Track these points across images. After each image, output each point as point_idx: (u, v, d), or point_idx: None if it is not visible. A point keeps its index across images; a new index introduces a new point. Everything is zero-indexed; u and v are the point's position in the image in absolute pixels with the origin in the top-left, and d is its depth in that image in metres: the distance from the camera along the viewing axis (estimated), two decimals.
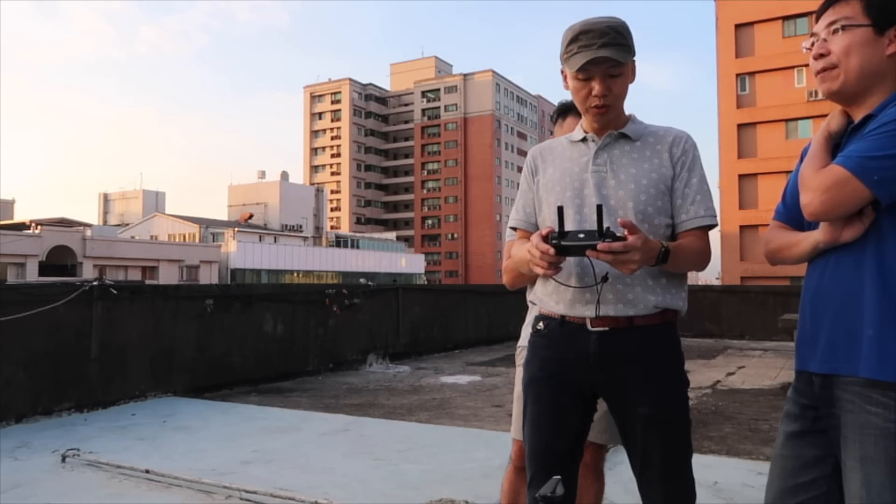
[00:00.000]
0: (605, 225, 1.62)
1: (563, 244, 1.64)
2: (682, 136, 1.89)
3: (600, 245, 1.59)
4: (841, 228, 1.53)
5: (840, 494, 1.57)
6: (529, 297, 2.01)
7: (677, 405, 1.81)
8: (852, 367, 1.51)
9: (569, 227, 1.73)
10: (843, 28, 1.56)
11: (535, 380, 1.89)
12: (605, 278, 1.74)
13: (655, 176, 1.83)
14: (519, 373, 2.46)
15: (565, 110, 2.56)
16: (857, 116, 1.60)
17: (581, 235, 1.64)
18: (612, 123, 1.88)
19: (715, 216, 1.85)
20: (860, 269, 1.52)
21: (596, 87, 1.79)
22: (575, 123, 2.44)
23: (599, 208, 1.63)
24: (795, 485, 1.63)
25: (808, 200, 1.52)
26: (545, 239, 1.66)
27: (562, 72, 1.89)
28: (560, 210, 1.67)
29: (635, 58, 1.85)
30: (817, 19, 1.65)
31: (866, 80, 1.56)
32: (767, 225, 1.86)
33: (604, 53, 1.74)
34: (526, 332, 2.49)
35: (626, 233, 1.60)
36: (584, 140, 1.92)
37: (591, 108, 1.83)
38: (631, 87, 1.87)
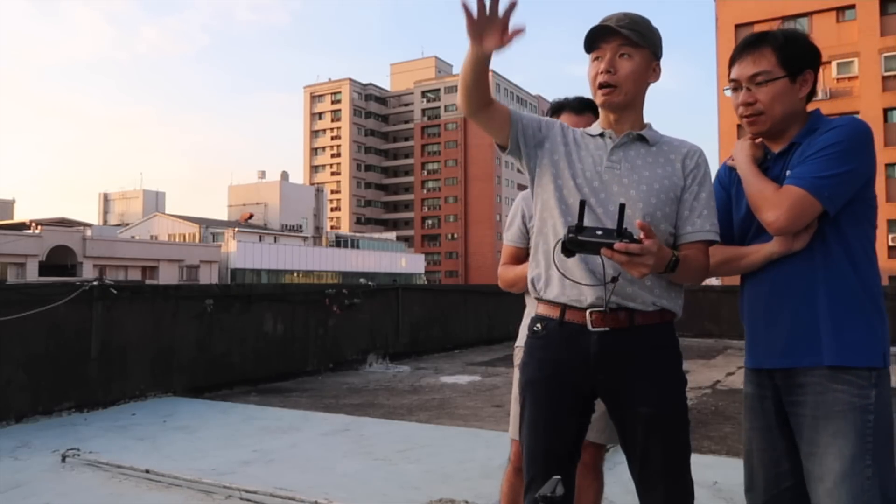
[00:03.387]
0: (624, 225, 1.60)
1: (579, 238, 1.60)
2: (696, 149, 1.90)
3: (617, 245, 1.56)
4: (792, 239, 1.76)
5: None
6: (530, 288, 1.98)
7: (677, 406, 1.81)
8: (815, 359, 1.73)
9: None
10: (767, 81, 1.82)
11: (532, 381, 1.88)
12: (615, 279, 1.72)
13: (667, 183, 1.82)
14: (517, 373, 2.47)
15: (559, 108, 2.56)
16: (776, 146, 1.88)
17: (599, 232, 1.61)
18: (629, 122, 1.87)
19: (718, 233, 1.86)
20: (812, 273, 1.76)
21: (603, 64, 1.80)
22: (567, 121, 2.45)
23: (622, 207, 1.60)
24: (777, 474, 1.84)
25: (775, 217, 1.73)
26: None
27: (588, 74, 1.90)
28: (582, 204, 1.63)
29: (659, 62, 1.86)
30: (731, 65, 1.89)
31: (787, 120, 1.85)
32: None
33: (611, 24, 1.76)
34: (523, 332, 2.50)
35: (642, 235, 1.58)
36: (601, 136, 1.90)
37: (598, 86, 1.82)
38: None
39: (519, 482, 2.39)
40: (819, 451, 1.69)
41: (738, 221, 1.93)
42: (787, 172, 1.79)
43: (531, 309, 2.52)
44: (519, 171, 2.03)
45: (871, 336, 1.72)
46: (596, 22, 1.84)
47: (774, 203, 1.73)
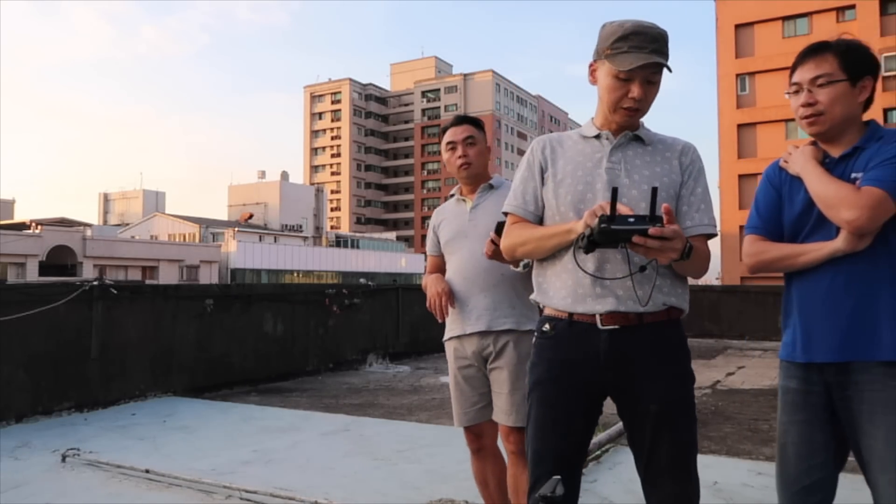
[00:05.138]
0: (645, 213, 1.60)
1: (612, 228, 1.57)
2: (690, 146, 1.95)
3: (653, 230, 1.55)
4: (858, 239, 1.83)
5: (838, 469, 1.93)
6: (532, 297, 1.98)
7: (685, 402, 1.84)
8: (872, 353, 1.82)
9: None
10: (829, 83, 1.91)
11: (540, 382, 1.88)
12: (642, 268, 1.71)
13: (666, 180, 1.86)
14: (450, 366, 2.74)
15: (444, 130, 2.77)
16: (834, 150, 1.95)
17: (631, 220, 1.59)
18: (628, 125, 1.91)
19: (716, 227, 1.90)
20: (875, 271, 1.84)
21: (635, 90, 1.81)
22: (452, 135, 2.72)
23: (654, 191, 1.59)
24: (809, 466, 1.92)
25: (855, 216, 1.80)
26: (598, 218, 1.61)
27: (591, 65, 1.90)
28: (614, 191, 1.60)
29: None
30: (793, 70, 1.99)
31: (845, 123, 1.94)
32: None
33: (656, 59, 1.77)
34: (449, 326, 2.73)
35: (666, 220, 1.59)
36: (597, 137, 1.92)
37: (622, 108, 1.85)
38: None
39: (479, 463, 2.76)
40: (879, 444, 1.79)
41: (790, 219, 1.98)
42: (854, 175, 1.88)
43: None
44: None
45: None
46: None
47: (854, 203, 1.80)
